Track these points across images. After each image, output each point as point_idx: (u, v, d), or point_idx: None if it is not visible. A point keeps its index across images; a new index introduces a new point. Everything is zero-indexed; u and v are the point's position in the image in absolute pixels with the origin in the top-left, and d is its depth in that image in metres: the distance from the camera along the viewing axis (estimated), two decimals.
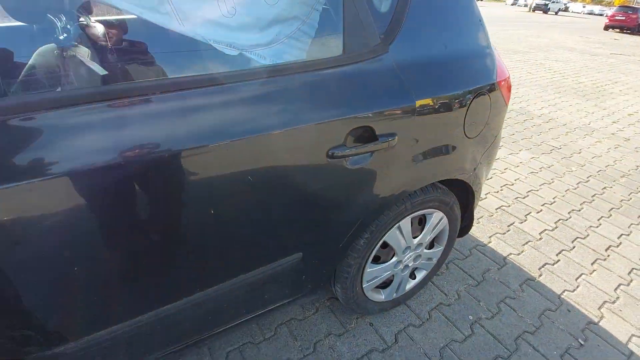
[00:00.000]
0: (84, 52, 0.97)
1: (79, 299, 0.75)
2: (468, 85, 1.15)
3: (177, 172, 0.75)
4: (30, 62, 0.84)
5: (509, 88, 1.37)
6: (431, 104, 1.05)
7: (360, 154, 0.94)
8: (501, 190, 2.64)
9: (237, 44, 0.98)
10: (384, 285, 1.48)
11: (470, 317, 1.58)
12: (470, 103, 1.16)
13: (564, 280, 1.84)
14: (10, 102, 0.62)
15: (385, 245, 1.30)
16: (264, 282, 1.02)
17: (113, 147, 0.67)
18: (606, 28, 18.24)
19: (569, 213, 2.42)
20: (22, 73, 0.79)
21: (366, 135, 0.94)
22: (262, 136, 0.81)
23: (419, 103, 1.02)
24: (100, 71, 0.92)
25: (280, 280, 1.07)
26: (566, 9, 40.68)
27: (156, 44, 0.93)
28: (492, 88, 1.23)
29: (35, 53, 0.86)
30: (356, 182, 1.00)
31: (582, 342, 1.52)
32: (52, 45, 0.91)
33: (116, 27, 0.94)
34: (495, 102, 1.27)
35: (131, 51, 0.95)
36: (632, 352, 1.51)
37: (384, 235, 1.23)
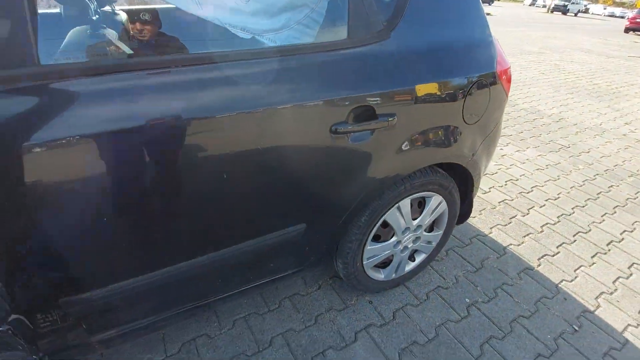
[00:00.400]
0: (112, 34, 1.07)
1: (103, 250, 0.85)
2: (467, 73, 1.21)
3: (191, 139, 0.83)
4: (66, 39, 0.93)
5: (509, 79, 1.42)
6: (430, 88, 1.12)
7: (361, 131, 1.02)
8: (505, 185, 2.68)
9: (250, 28, 1.07)
10: (384, 265, 1.55)
11: (467, 300, 1.64)
12: (470, 90, 1.22)
13: (563, 271, 1.88)
14: (51, 70, 0.71)
15: (385, 225, 1.37)
16: (270, 250, 1.11)
17: (138, 112, 0.76)
18: (626, 31, 17.78)
19: (572, 209, 2.44)
20: (61, 47, 0.88)
21: (367, 114, 1.02)
22: (271, 109, 0.89)
23: (418, 87, 1.08)
24: (128, 50, 1.02)
25: (285, 249, 1.15)
26: (586, 11, 39.75)
27: (177, 26, 1.02)
28: (492, 77, 1.29)
29: (70, 32, 0.96)
30: (357, 159, 1.08)
31: (577, 328, 1.56)
32: (86, 26, 1.01)
33: (142, 11, 1.04)
34: (495, 92, 1.33)
35: (155, 33, 1.04)
36: (627, 341, 1.54)
37: (384, 214, 1.30)
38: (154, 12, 1.13)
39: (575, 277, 1.84)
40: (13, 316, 0.69)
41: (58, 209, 0.74)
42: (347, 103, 0.97)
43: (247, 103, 0.87)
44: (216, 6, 1.02)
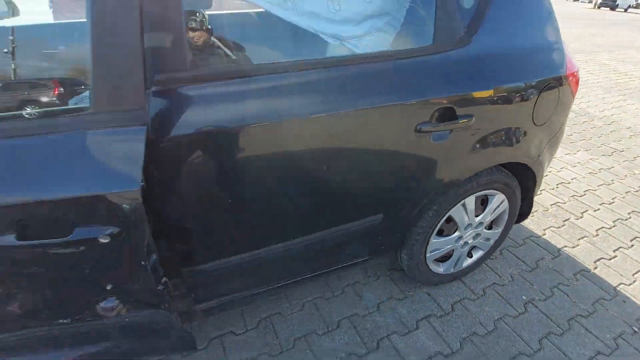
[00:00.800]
0: (216, 42, 1.21)
1: (224, 228, 0.98)
2: (539, 76, 1.26)
3: (295, 134, 0.95)
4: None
5: (577, 81, 1.45)
6: (505, 91, 1.18)
7: (442, 130, 1.10)
8: (557, 187, 2.65)
9: (338, 35, 1.18)
10: (443, 259, 1.62)
11: (524, 297, 1.68)
12: (541, 92, 1.27)
13: (620, 275, 1.86)
14: (197, 73, 0.85)
15: (449, 220, 1.44)
16: (350, 237, 1.22)
17: (259, 112, 0.88)
18: None
19: (628, 214, 2.39)
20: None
21: (448, 115, 1.10)
22: (364, 110, 0.99)
23: (495, 89, 1.15)
24: (232, 55, 1.15)
25: (363, 237, 1.25)
26: (637, 6, 37.14)
27: (278, 32, 1.14)
28: (561, 79, 1.33)
29: None
30: (435, 156, 1.16)
31: (637, 330, 1.57)
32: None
33: (246, 18, 1.17)
34: (563, 93, 1.37)
35: (257, 39, 1.17)
36: None
37: (450, 209, 1.38)
38: (202, 19, 1.24)
39: (634, 282, 1.83)
40: (164, 279, 0.83)
41: (197, 194, 0.88)
42: (431, 104, 1.06)
43: (345, 103, 0.97)
44: (312, 16, 1.13)
